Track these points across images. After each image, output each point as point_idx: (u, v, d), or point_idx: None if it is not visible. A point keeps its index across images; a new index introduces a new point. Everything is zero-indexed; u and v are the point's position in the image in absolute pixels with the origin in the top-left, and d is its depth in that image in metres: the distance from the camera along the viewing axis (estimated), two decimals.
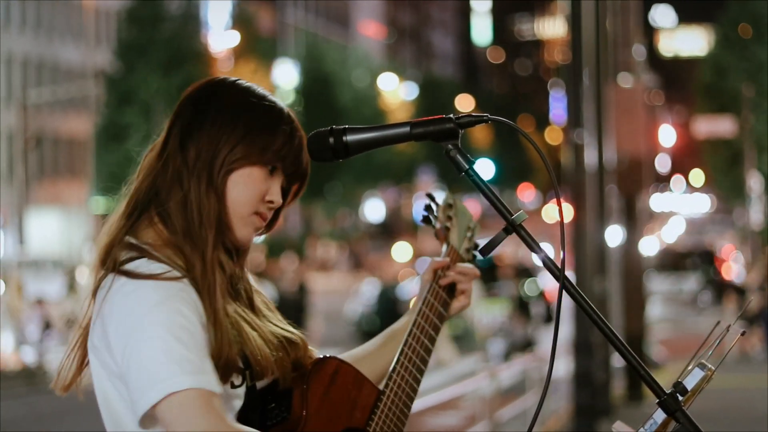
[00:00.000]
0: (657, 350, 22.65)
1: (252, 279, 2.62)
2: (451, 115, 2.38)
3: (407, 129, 2.39)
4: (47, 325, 28.91)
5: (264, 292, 2.63)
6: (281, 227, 71.21)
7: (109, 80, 53.30)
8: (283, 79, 63.10)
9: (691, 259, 48.00)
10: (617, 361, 17.23)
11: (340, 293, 44.02)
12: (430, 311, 2.78)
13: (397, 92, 74.51)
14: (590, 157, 15.74)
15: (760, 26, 45.10)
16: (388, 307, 30.62)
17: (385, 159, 66.84)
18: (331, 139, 2.41)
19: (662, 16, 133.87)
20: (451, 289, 2.84)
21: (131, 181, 2.58)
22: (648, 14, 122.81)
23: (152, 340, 2.30)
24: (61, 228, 59.13)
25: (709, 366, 2.27)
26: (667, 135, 66.80)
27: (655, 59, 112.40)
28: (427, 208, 2.92)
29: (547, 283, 33.77)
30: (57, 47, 60.72)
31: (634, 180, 19.73)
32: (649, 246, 37.16)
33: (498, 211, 2.33)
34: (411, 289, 30.55)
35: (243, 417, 2.44)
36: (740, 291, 40.49)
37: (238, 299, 2.52)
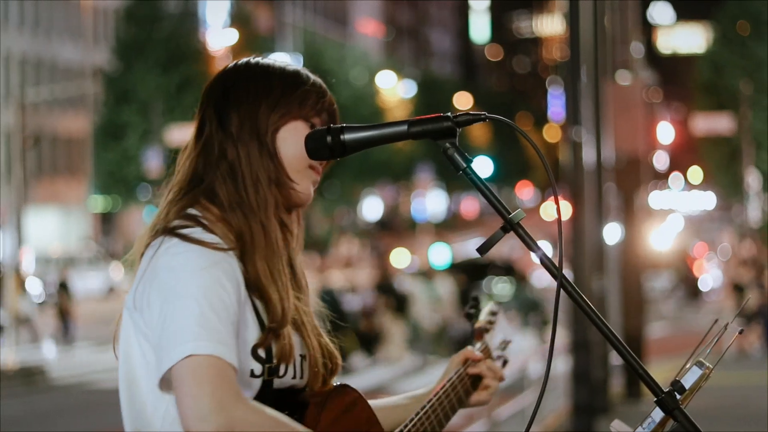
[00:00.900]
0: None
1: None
2: (449, 114, 2.38)
3: (405, 128, 2.39)
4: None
5: None
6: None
7: (107, 79, 53.32)
8: None
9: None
10: (615, 359, 17.23)
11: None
12: (452, 391, 2.86)
13: (395, 90, 74.49)
14: (588, 155, 15.75)
15: (759, 23, 45.11)
16: None
17: (384, 157, 66.84)
18: (329, 138, 2.41)
19: (660, 13, 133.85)
20: (474, 382, 2.95)
21: (170, 180, 2.60)
22: (646, 11, 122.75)
23: (188, 303, 2.31)
24: (60, 227, 59.13)
25: (707, 364, 2.27)
26: (666, 132, 66.76)
27: (653, 56, 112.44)
28: (473, 306, 3.06)
29: (542, 281, 33.86)
30: (55, 46, 60.70)
31: (633, 177, 19.72)
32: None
33: (496, 209, 2.32)
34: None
35: None
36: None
37: (295, 280, 2.57)
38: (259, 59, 2.67)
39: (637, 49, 25.60)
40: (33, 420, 18.73)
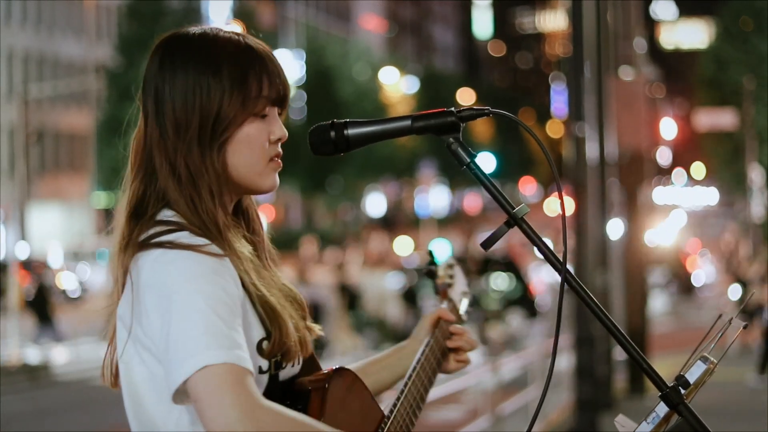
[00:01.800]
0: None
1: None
2: (453, 109, 2.38)
3: (409, 122, 2.39)
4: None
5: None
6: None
7: (110, 75, 53.31)
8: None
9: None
10: (619, 354, 17.23)
11: None
12: (431, 354, 2.84)
13: (398, 86, 74.42)
14: (591, 151, 15.74)
15: (761, 19, 45.06)
16: None
17: (387, 153, 66.77)
18: (333, 133, 2.40)
19: (663, 8, 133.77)
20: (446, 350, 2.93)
21: (125, 180, 2.46)
22: (649, 7, 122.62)
23: (192, 312, 2.20)
24: (63, 222, 59.15)
25: (712, 359, 2.27)
26: (669, 128, 66.70)
27: (656, 52, 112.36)
28: (431, 262, 3.03)
29: (533, 277, 33.82)
30: (58, 42, 60.71)
31: (636, 173, 19.73)
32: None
33: (500, 204, 2.32)
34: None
35: None
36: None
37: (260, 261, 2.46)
38: (192, 32, 2.44)
39: (639, 44, 25.56)
40: (35, 417, 18.74)
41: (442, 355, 2.88)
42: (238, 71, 2.37)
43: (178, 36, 2.44)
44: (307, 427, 2.25)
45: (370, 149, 55.26)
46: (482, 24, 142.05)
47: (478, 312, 27.12)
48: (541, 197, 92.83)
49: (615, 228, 18.43)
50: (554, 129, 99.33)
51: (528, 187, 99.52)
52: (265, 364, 2.35)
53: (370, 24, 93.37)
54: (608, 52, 18.34)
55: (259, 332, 2.35)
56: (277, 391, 2.38)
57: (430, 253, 3.03)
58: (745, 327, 2.35)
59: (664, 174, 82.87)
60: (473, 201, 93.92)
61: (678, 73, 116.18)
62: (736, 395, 17.10)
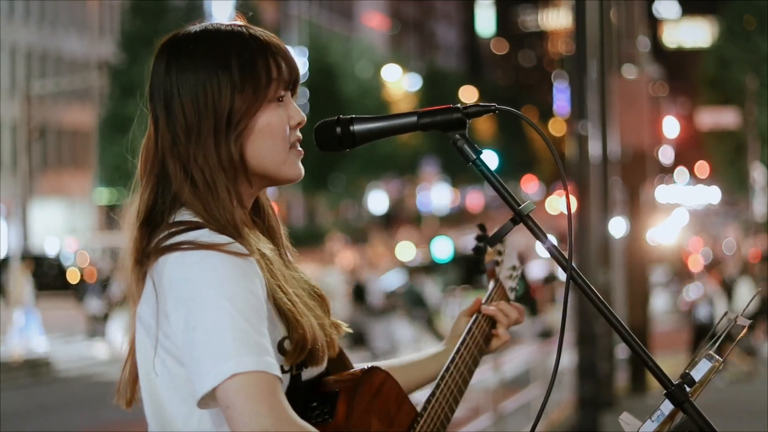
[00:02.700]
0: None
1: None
2: (459, 105, 2.37)
3: (414, 119, 2.38)
4: None
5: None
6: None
7: (112, 71, 53.34)
8: None
9: None
10: (621, 352, 17.23)
11: None
12: (472, 342, 2.74)
13: (400, 83, 74.44)
14: (594, 149, 15.74)
15: (764, 18, 45.08)
16: None
17: (389, 150, 66.79)
18: (338, 129, 2.39)
19: (666, 7, 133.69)
20: (493, 325, 2.81)
21: (135, 182, 2.42)
22: (652, 6, 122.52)
23: (219, 316, 2.14)
24: (65, 219, 59.18)
25: (717, 357, 2.26)
26: (671, 126, 66.68)
27: (659, 51, 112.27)
28: (480, 238, 2.89)
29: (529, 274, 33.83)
30: (61, 38, 60.72)
31: (638, 171, 19.73)
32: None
33: (506, 201, 2.32)
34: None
35: None
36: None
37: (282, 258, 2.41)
38: (195, 30, 2.40)
39: (642, 43, 25.56)
40: (36, 412, 18.75)
41: (486, 342, 2.78)
42: (246, 61, 2.33)
43: (181, 36, 2.40)
44: None
45: (373, 147, 55.22)
46: (485, 22, 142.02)
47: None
48: (544, 196, 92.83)
49: (617, 226, 18.43)
50: (557, 127, 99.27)
51: (530, 186, 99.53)
52: (286, 363, 2.30)
53: (373, 21, 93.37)
54: (611, 51, 18.34)
55: (280, 330, 2.30)
56: (298, 391, 2.33)
57: (481, 227, 2.91)
58: (750, 326, 2.35)
59: (666, 173, 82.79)
60: (477, 198, 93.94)
61: (681, 72, 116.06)
62: (740, 394, 17.09)
